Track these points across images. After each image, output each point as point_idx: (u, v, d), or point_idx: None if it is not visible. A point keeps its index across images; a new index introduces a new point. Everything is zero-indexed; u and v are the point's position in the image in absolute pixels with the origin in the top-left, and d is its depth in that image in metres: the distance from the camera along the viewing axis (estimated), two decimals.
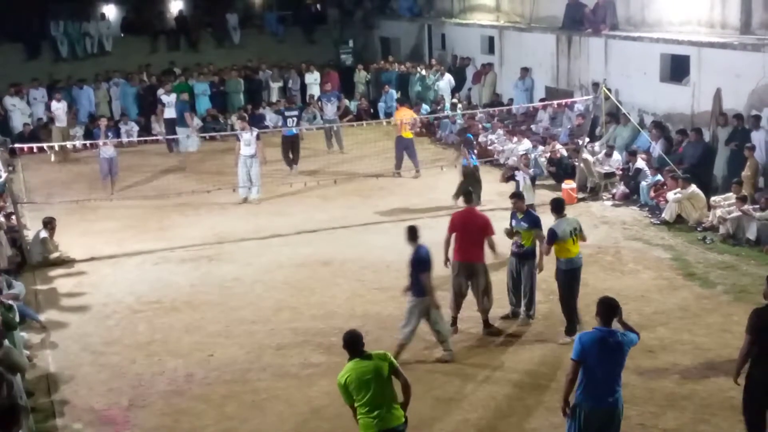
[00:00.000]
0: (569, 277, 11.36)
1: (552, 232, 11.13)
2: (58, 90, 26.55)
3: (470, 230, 11.59)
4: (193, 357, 11.45)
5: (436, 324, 10.85)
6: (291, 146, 21.72)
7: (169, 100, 24.30)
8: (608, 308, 7.65)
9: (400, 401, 7.76)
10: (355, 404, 7.56)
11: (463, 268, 11.66)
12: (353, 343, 7.70)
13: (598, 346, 7.49)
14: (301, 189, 18.63)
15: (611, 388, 7.58)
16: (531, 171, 16.54)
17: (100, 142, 20.25)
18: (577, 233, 11.31)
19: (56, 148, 22.21)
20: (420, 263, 10.52)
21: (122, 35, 33.59)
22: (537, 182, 19.71)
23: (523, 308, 12.12)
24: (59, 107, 24.40)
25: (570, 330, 11.29)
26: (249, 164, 18.79)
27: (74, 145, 22.88)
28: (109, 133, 21.46)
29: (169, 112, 24.22)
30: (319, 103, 25.17)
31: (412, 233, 10.69)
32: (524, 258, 11.90)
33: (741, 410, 8.56)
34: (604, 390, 7.57)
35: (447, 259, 11.75)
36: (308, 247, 15.71)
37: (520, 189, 14.94)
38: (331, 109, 24.16)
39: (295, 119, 21.90)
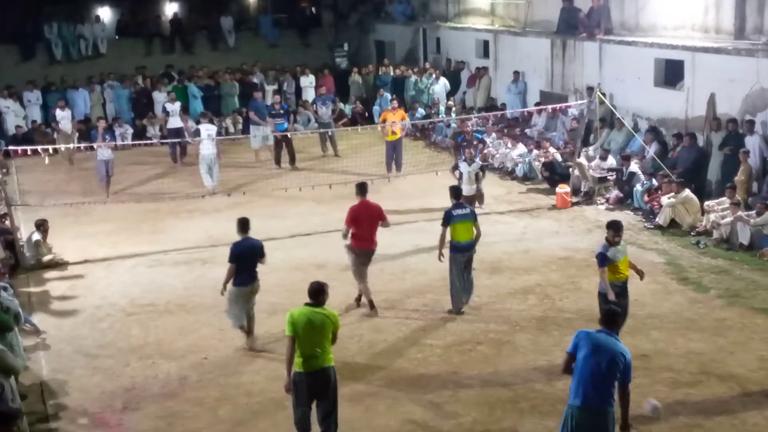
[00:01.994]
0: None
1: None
2: (57, 93, 26.52)
3: (368, 220, 12.54)
4: (186, 360, 11.44)
5: (251, 316, 11.70)
6: (282, 143, 22.06)
7: (173, 108, 23.67)
8: (609, 317, 7.82)
9: None
10: (298, 342, 8.57)
11: (364, 256, 12.60)
12: (316, 293, 8.77)
13: (593, 343, 7.55)
14: (295, 192, 18.62)
15: (599, 393, 7.53)
16: (478, 162, 16.73)
17: (96, 144, 20.19)
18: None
19: (62, 154, 22.16)
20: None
21: (117, 37, 33.55)
22: (531, 186, 19.86)
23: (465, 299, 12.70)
24: (64, 116, 24.08)
25: None
26: (210, 161, 20.05)
27: (67, 148, 22.77)
28: (107, 136, 21.38)
29: (173, 122, 23.57)
30: (314, 106, 25.17)
31: (243, 225, 11.61)
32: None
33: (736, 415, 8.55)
34: (592, 392, 7.53)
35: (349, 248, 12.67)
36: (303, 250, 15.70)
37: (463, 179, 15.71)
38: (326, 113, 24.16)
39: (283, 118, 22.42)
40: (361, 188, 12.84)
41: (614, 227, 10.66)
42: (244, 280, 11.48)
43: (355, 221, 12.55)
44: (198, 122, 21.82)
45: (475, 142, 18.31)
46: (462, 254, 12.40)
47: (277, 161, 22.34)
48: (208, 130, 20.44)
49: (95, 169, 20.38)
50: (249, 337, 11.71)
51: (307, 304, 8.74)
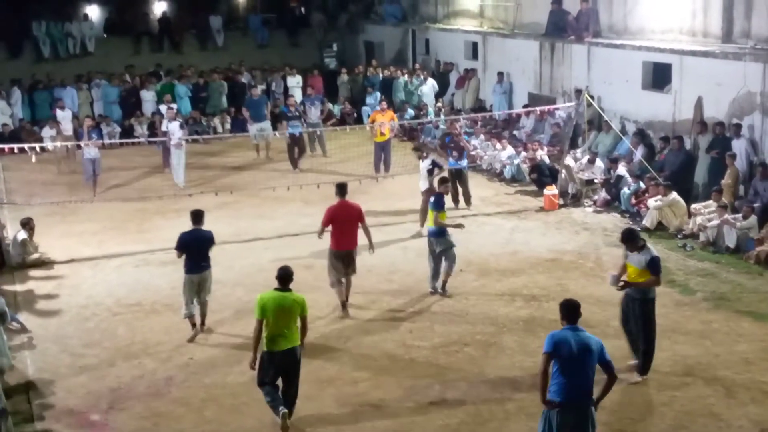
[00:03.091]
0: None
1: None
2: (44, 92, 26.34)
3: (346, 221, 12.55)
4: (172, 360, 11.41)
5: (203, 304, 12.15)
6: (296, 145, 22.04)
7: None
8: (572, 308, 8.00)
9: None
10: (263, 325, 9.18)
11: (340, 256, 12.61)
12: (284, 278, 9.42)
13: (569, 344, 7.72)
14: (283, 193, 18.59)
15: (582, 388, 7.72)
16: (430, 158, 16.83)
17: (82, 143, 20.10)
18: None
19: (59, 154, 22.04)
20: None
21: (105, 36, 33.44)
22: (519, 187, 19.89)
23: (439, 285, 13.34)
24: (65, 116, 23.59)
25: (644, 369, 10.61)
26: (177, 154, 20.50)
27: (55, 146, 22.61)
28: (93, 135, 21.22)
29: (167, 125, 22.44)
30: (303, 106, 25.11)
31: (195, 217, 12.05)
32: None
33: (721, 417, 8.60)
34: (575, 389, 7.69)
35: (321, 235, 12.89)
36: (290, 250, 15.65)
37: (422, 174, 16.22)
38: (314, 113, 24.09)
39: (298, 121, 22.40)
40: (341, 189, 12.84)
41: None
42: (191, 268, 11.88)
43: (332, 221, 12.58)
44: (186, 122, 21.72)
45: (461, 143, 18.30)
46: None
47: (294, 164, 22.12)
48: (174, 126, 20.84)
49: (82, 169, 20.28)
50: (194, 328, 12.08)
51: (276, 289, 9.37)
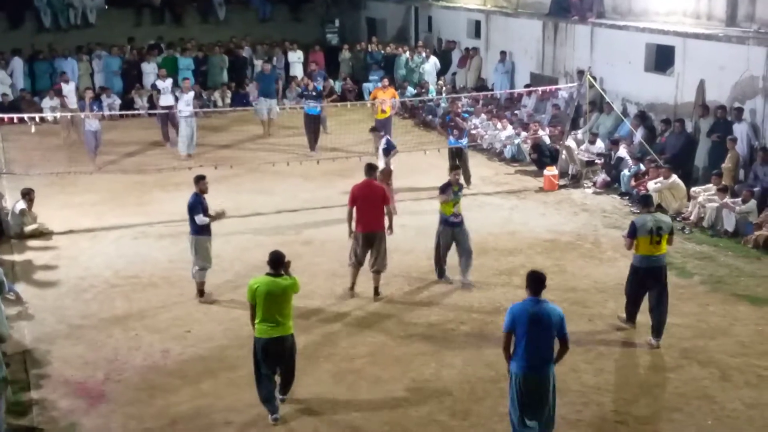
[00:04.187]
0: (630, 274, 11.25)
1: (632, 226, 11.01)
2: (45, 62, 26.18)
3: (368, 202, 12.29)
4: (169, 332, 11.44)
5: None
6: (314, 126, 21.50)
7: (164, 86, 22.50)
8: (536, 280, 8.29)
9: None
10: (257, 309, 9.02)
11: (365, 239, 12.33)
12: (275, 263, 9.10)
13: (527, 316, 8.14)
14: (283, 168, 18.56)
15: (542, 355, 8.18)
16: (386, 138, 16.82)
17: (83, 115, 20.03)
18: (661, 233, 10.83)
19: (63, 126, 21.89)
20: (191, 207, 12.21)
21: (106, 7, 33.16)
22: (519, 167, 19.87)
23: (460, 274, 12.94)
24: (70, 89, 23.35)
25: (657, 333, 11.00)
26: (191, 123, 20.70)
27: (55, 117, 22.55)
28: (94, 106, 21.16)
29: (165, 99, 22.31)
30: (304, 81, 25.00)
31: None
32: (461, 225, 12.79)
33: (715, 400, 8.67)
34: (535, 356, 8.16)
35: (351, 231, 12.47)
36: (289, 226, 15.67)
37: (378, 154, 15.93)
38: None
39: (316, 101, 21.72)
40: (369, 168, 12.68)
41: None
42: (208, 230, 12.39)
43: (356, 200, 12.33)
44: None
45: (460, 125, 18.25)
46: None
47: (312, 145, 21.36)
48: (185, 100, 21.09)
49: (84, 141, 20.24)
50: (205, 294, 12.51)
51: (267, 274, 9.10)
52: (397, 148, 16.77)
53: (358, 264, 12.49)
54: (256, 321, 9.10)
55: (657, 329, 10.89)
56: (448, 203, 12.62)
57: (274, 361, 9.17)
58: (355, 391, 9.90)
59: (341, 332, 11.45)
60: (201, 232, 12.23)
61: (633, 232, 10.84)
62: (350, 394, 9.82)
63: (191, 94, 21.52)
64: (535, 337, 8.11)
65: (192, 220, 12.19)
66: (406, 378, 10.16)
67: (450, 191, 12.59)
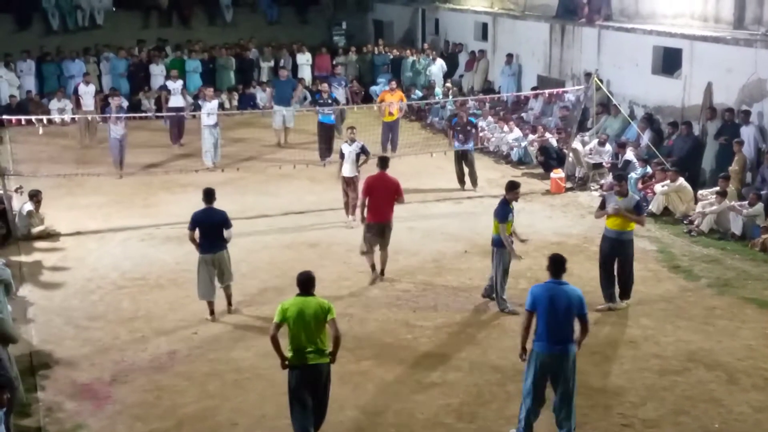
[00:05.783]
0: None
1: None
2: (52, 64, 26.20)
3: (383, 193, 12.91)
4: (176, 334, 11.45)
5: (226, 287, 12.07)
6: (327, 136, 20.59)
7: (175, 87, 22.46)
8: (557, 263, 8.72)
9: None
10: (289, 334, 8.47)
11: (374, 228, 12.91)
12: (305, 283, 8.61)
13: (548, 296, 8.45)
14: (289, 170, 18.58)
15: (562, 336, 8.42)
16: (358, 143, 15.73)
17: (110, 121, 19.66)
18: None
19: (79, 130, 21.88)
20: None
21: (114, 9, 33.26)
22: (526, 170, 19.83)
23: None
24: (88, 91, 22.88)
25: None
26: (215, 133, 19.94)
27: (62, 119, 22.60)
28: (122, 113, 20.42)
29: (175, 101, 22.23)
30: (324, 84, 24.62)
31: (207, 195, 11.91)
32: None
33: (722, 403, 8.66)
34: (556, 337, 8.40)
35: (363, 218, 13.09)
36: (296, 228, 15.68)
37: (345, 160, 15.57)
38: (341, 93, 23.90)
39: (331, 109, 20.77)
40: (382, 161, 13.32)
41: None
42: (204, 248, 11.77)
43: (370, 191, 12.91)
44: (196, 97, 21.57)
45: (468, 128, 18.19)
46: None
47: (323, 157, 20.28)
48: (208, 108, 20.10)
49: (108, 149, 19.88)
50: (212, 315, 11.94)
51: (298, 295, 8.62)
52: (371, 156, 15.85)
53: (371, 250, 13.09)
54: (290, 347, 8.50)
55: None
56: (509, 222, 11.97)
57: (310, 390, 8.56)
58: (360, 392, 9.90)
59: (347, 333, 11.39)
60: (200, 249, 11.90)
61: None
62: (356, 395, 9.81)
63: (215, 102, 20.71)
64: (555, 316, 8.38)
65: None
66: (411, 380, 10.15)
67: (511, 214, 12.00)
